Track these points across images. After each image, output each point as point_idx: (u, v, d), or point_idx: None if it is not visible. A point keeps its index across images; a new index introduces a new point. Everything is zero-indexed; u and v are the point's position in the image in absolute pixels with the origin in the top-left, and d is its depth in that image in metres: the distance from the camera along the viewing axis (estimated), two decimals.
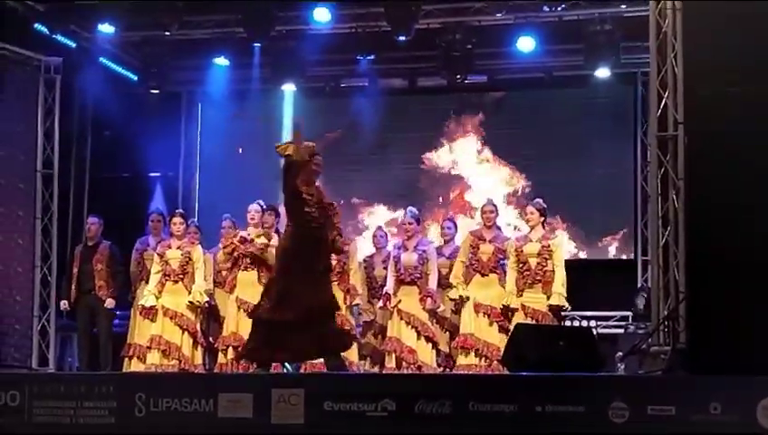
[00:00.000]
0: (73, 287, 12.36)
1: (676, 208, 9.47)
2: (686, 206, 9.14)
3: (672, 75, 9.71)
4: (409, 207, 11.83)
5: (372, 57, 14.77)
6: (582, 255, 14.93)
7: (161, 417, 8.31)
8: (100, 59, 14.79)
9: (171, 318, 11.35)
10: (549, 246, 10.80)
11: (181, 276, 11.45)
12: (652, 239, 10.19)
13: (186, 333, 11.36)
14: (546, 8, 13.52)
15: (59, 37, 13.89)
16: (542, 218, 11.05)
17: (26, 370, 12.61)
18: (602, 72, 14.25)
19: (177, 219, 11.68)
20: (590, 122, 14.93)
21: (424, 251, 11.41)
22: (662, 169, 9.73)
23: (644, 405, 7.54)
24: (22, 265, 13.38)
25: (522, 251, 10.81)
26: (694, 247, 8.86)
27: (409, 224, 11.59)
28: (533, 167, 15.09)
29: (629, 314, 13.81)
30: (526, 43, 14.00)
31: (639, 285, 14.14)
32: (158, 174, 15.98)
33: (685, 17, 9.39)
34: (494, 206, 11.42)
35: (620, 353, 10.93)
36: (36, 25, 13.56)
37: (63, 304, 12.49)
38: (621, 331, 13.52)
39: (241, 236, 11.27)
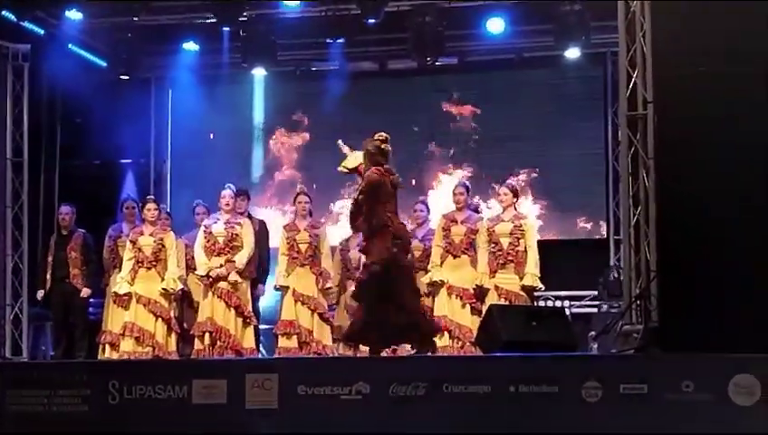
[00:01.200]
0: (48, 276, 12.32)
1: (646, 188, 9.50)
2: (656, 185, 9.18)
3: (641, 55, 9.73)
4: (422, 199, 11.84)
5: (342, 41, 14.74)
6: (555, 235, 14.96)
7: (135, 404, 8.30)
8: (69, 46, 14.68)
9: (145, 305, 11.31)
10: (521, 225, 10.80)
11: (154, 263, 11.41)
12: (623, 219, 10.22)
13: (159, 319, 11.33)
14: None
15: (26, 24, 13.77)
16: (515, 199, 11.06)
17: None
18: (572, 53, 14.28)
19: (150, 205, 11.63)
20: (560, 103, 14.95)
21: None
22: (632, 149, 9.77)
23: (617, 384, 7.58)
24: None
25: (493, 231, 10.81)
26: (664, 226, 8.90)
27: (421, 211, 11.65)
28: (505, 148, 15.09)
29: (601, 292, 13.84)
30: (496, 25, 14.00)
31: (611, 264, 14.17)
32: (129, 161, 15.92)
33: None
34: (465, 187, 11.41)
35: (593, 333, 10.99)
36: (3, 12, 13.44)
37: (40, 293, 12.43)
38: (594, 310, 13.56)
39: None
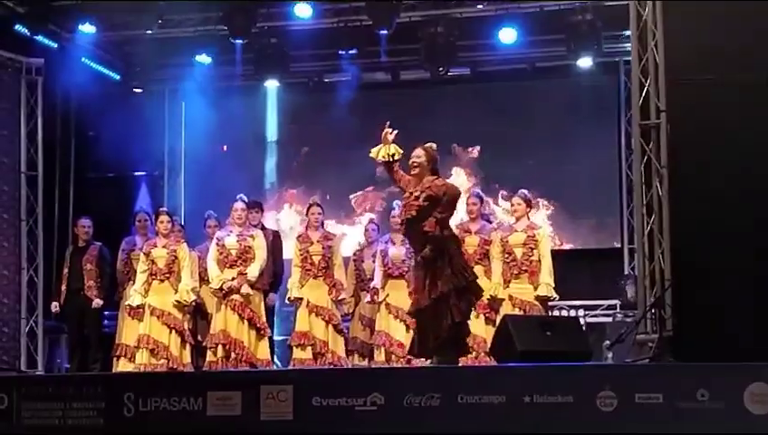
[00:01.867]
0: (63, 288, 12.35)
1: (660, 196, 9.48)
2: (669, 193, 9.17)
3: (653, 63, 9.72)
4: (396, 201, 11.69)
5: (354, 51, 14.76)
6: (568, 244, 14.95)
7: (150, 417, 8.30)
8: (82, 59, 14.74)
9: (158, 317, 11.30)
10: (534, 235, 10.77)
11: (167, 275, 11.41)
12: (637, 228, 10.20)
13: (173, 331, 11.32)
14: None
15: (40, 38, 13.84)
16: (529, 209, 11.03)
17: (14, 372, 12.58)
18: (585, 62, 14.29)
19: (163, 217, 11.63)
20: (573, 112, 14.93)
21: None
22: (645, 158, 9.75)
23: (632, 393, 7.55)
24: (8, 268, 13.36)
25: (507, 241, 10.79)
26: (678, 235, 8.90)
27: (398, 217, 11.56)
28: (518, 158, 15.09)
29: (617, 302, 13.82)
30: (508, 35, 14.02)
31: (626, 273, 14.15)
32: (142, 173, 15.96)
33: (665, 5, 9.42)
34: (479, 197, 11.40)
35: (608, 342, 10.96)
36: (17, 27, 13.50)
37: (54, 305, 12.45)
38: (609, 320, 13.54)
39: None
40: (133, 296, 11.46)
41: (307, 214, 11.76)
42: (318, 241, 11.45)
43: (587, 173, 14.85)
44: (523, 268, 10.70)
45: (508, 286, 10.73)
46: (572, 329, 9.40)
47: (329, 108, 15.37)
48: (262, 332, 11.17)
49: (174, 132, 16.34)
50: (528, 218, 10.99)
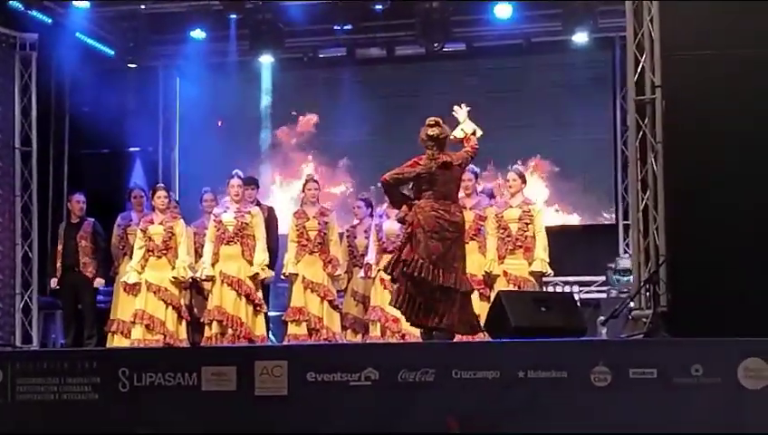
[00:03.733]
0: (58, 265, 12.35)
1: (654, 172, 9.47)
2: (664, 169, 9.16)
3: (649, 39, 9.68)
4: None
5: (350, 27, 14.72)
6: (563, 220, 14.95)
7: (145, 392, 8.32)
8: (76, 34, 14.69)
9: (155, 293, 11.31)
10: (529, 211, 10.78)
11: (164, 251, 11.40)
12: (632, 203, 10.19)
13: (170, 307, 11.32)
14: None
15: (34, 13, 13.79)
16: (523, 185, 11.02)
17: (9, 348, 12.58)
18: (580, 38, 14.29)
19: (160, 193, 11.59)
20: (569, 88, 14.93)
21: None
22: (640, 133, 9.73)
23: (626, 369, 7.58)
24: (2, 244, 13.31)
25: (502, 217, 10.79)
26: (673, 211, 8.89)
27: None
28: (514, 133, 15.07)
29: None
30: (504, 10, 13.99)
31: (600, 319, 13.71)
32: (137, 149, 15.95)
33: None
34: (474, 173, 11.36)
35: (602, 318, 10.97)
36: (10, 2, 13.45)
37: (53, 281, 12.44)
38: (603, 296, 13.55)
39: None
40: (129, 273, 11.46)
41: (303, 189, 11.73)
42: (314, 217, 11.43)
43: (582, 149, 14.85)
44: (518, 244, 10.71)
45: (503, 262, 10.73)
46: (567, 305, 9.43)
47: (323, 83, 15.34)
48: (258, 308, 11.17)
49: (168, 108, 16.31)
50: (522, 194, 10.98)
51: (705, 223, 8.37)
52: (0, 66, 13.50)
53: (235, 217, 11.21)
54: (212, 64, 15.43)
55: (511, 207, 10.84)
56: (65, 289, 12.39)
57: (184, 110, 16.23)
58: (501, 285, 10.54)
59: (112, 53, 15.27)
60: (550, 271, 10.80)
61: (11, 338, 13.13)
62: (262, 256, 11.22)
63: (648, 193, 9.58)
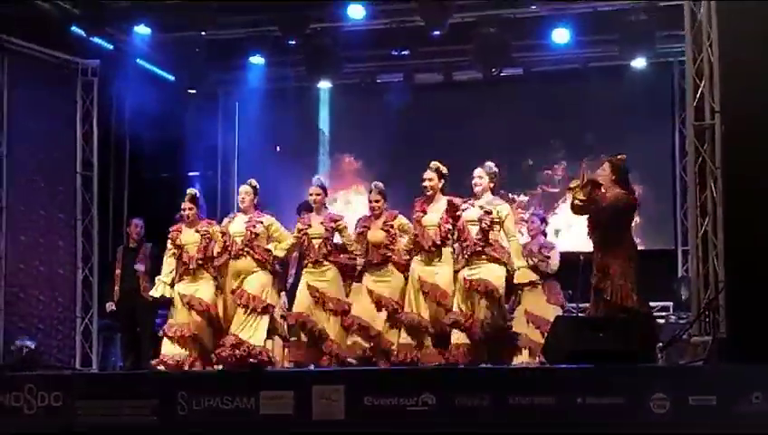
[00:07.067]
0: (117, 288, 12.44)
1: (714, 198, 9.42)
2: (724, 195, 9.10)
3: (708, 64, 9.65)
4: (374, 183, 10.80)
5: (407, 52, 14.77)
6: None
7: (203, 415, 8.37)
8: (137, 60, 14.87)
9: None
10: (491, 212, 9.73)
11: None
12: (691, 229, 10.13)
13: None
14: None
15: (96, 40, 13.96)
16: (492, 185, 9.92)
17: (69, 370, 12.71)
18: (638, 63, 14.22)
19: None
20: (626, 113, 14.86)
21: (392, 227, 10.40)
22: (700, 159, 9.68)
23: (685, 395, 7.53)
24: (63, 267, 13.51)
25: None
26: (732, 237, 8.83)
27: (376, 202, 10.47)
28: (571, 157, 15.03)
29: (670, 304, 13.74)
30: (562, 35, 13.96)
31: (680, 275, 14.06)
32: (196, 173, 16.05)
33: (719, 5, 9.34)
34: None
35: (661, 344, 10.89)
36: (73, 28, 13.64)
37: (110, 305, 12.51)
38: (662, 321, 13.44)
39: None
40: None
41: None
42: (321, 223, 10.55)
43: (640, 174, 14.73)
44: (477, 249, 9.72)
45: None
46: (626, 330, 9.35)
47: (381, 109, 15.40)
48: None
49: (227, 133, 16.45)
50: (492, 194, 9.96)
51: (765, 249, 8.29)
52: (62, 92, 13.74)
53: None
54: (270, 90, 15.54)
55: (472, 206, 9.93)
56: (124, 313, 12.46)
57: (242, 134, 16.36)
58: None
59: (172, 78, 15.43)
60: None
61: (71, 361, 13.28)
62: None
63: (707, 219, 9.52)
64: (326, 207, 10.75)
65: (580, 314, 10.36)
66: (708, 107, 9.61)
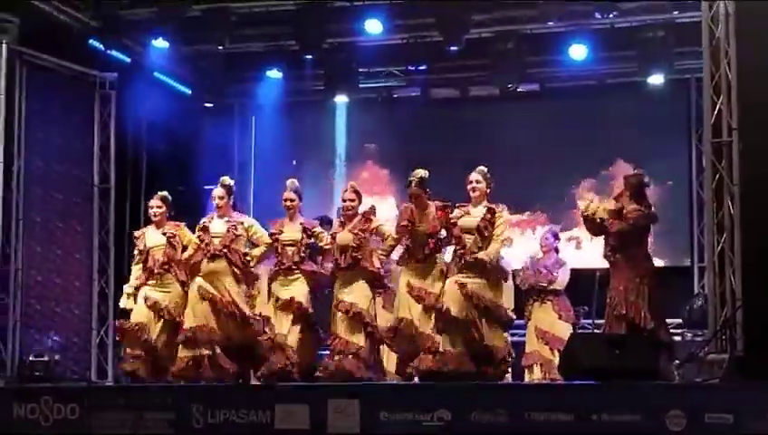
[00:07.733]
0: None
1: (731, 215, 9.39)
2: (741, 212, 9.08)
3: (726, 81, 9.63)
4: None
5: (424, 67, 14.79)
6: None
7: (219, 428, 8.37)
8: (155, 74, 14.92)
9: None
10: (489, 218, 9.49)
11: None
12: (708, 246, 10.11)
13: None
14: (598, 15, 13.48)
15: (113, 53, 14.02)
16: (488, 190, 9.65)
17: (85, 382, 12.72)
18: (656, 79, 14.19)
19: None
20: (643, 129, 14.81)
21: None
22: (717, 176, 9.66)
23: (701, 413, 7.50)
24: (79, 279, 13.54)
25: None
26: (750, 254, 8.81)
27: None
28: (587, 173, 15.00)
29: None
30: (578, 51, 13.97)
31: (696, 292, 14.02)
32: (212, 187, 16.02)
33: (738, 22, 9.34)
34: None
35: (677, 361, 10.86)
36: (91, 41, 13.70)
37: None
38: (678, 338, 13.40)
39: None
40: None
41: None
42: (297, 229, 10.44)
43: (657, 190, 14.72)
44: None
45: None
46: (642, 347, 9.33)
47: (398, 124, 15.40)
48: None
49: (244, 147, 16.48)
50: (488, 200, 9.67)
51: None
52: (80, 105, 13.79)
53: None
54: (287, 104, 15.59)
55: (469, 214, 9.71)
56: None
57: (259, 148, 16.38)
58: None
59: (189, 92, 15.47)
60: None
61: (86, 373, 13.29)
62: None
63: (724, 236, 9.50)
64: (301, 214, 10.59)
65: (596, 331, 10.31)
66: (726, 124, 9.59)
